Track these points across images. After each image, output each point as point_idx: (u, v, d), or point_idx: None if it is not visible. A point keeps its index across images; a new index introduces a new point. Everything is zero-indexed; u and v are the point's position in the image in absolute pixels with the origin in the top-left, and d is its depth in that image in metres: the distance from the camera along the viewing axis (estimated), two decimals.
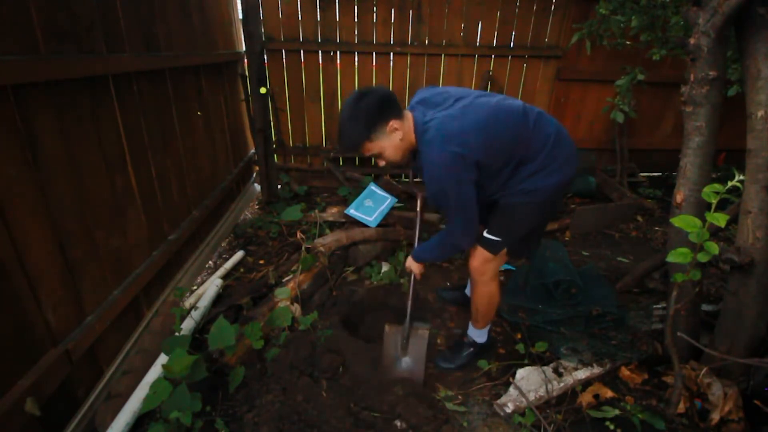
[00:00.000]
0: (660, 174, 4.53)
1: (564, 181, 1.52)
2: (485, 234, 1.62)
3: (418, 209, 2.00)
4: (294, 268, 2.34)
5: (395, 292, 2.39)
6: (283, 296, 2.08)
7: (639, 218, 3.49)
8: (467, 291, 2.20)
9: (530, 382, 1.72)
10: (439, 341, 2.05)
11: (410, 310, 1.83)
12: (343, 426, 1.53)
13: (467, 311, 1.91)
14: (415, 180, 3.86)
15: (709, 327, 1.80)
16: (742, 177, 1.34)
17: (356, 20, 3.64)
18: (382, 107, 1.40)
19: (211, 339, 1.69)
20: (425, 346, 1.77)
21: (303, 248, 2.27)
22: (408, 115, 1.49)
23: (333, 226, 2.95)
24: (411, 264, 1.82)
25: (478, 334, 1.89)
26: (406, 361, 1.79)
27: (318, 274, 2.36)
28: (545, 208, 1.58)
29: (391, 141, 1.45)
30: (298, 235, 2.29)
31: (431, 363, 1.87)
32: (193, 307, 2.15)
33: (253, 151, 3.86)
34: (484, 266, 1.66)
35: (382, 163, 1.54)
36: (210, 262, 2.79)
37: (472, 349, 1.89)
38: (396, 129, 1.43)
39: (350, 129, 1.41)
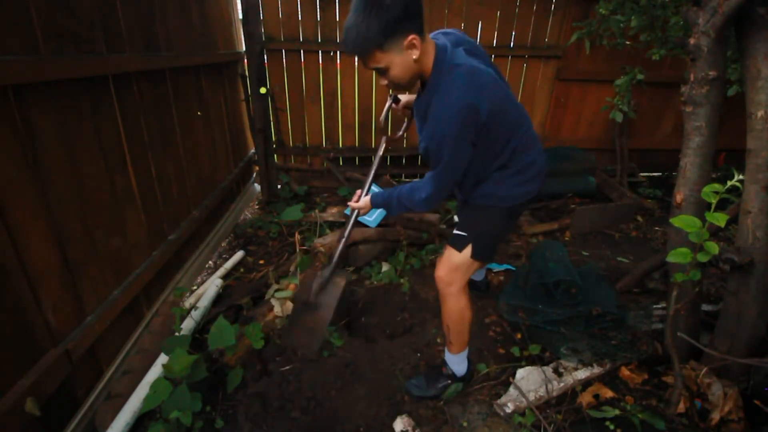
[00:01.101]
0: (660, 174, 4.53)
1: (532, 193, 1.53)
2: (454, 231, 1.60)
3: (379, 153, 1.72)
4: (293, 268, 2.34)
5: (395, 292, 2.39)
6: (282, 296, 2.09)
7: (639, 218, 3.48)
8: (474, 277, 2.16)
9: (530, 382, 1.72)
10: (439, 341, 2.05)
11: (337, 256, 1.69)
12: None
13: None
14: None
15: (709, 327, 1.80)
16: (742, 177, 1.34)
17: None
18: (407, 14, 1.16)
19: (211, 339, 1.69)
20: (339, 293, 1.68)
21: (298, 250, 2.27)
22: (431, 40, 1.31)
23: (333, 226, 2.95)
24: (362, 203, 1.65)
25: (455, 361, 1.73)
26: (315, 307, 1.71)
27: None
28: (510, 214, 1.56)
29: (404, 57, 1.23)
30: (297, 237, 2.29)
31: (403, 390, 1.76)
32: (193, 307, 2.15)
33: (253, 151, 3.86)
34: (450, 275, 1.56)
35: (383, 82, 1.34)
36: (210, 262, 2.79)
37: (449, 381, 1.73)
38: (414, 46, 1.22)
39: (363, 28, 1.16)
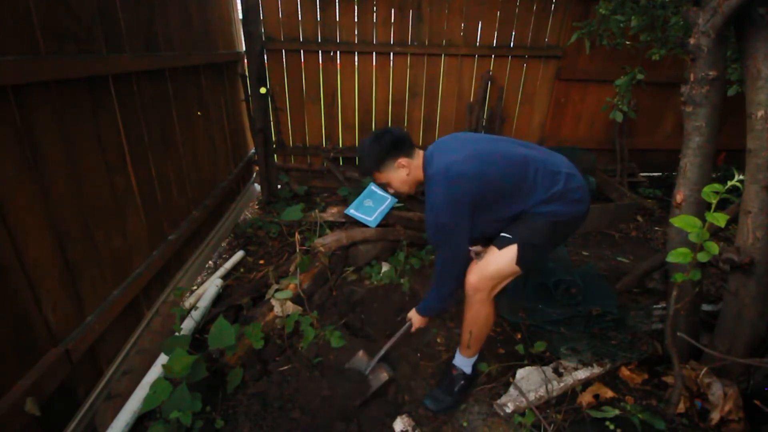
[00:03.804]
0: (660, 174, 4.52)
1: (573, 215, 1.56)
2: (501, 234, 1.59)
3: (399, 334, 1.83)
4: (293, 268, 2.33)
5: (395, 292, 2.39)
6: (282, 297, 2.09)
7: (639, 218, 3.49)
8: None
9: (530, 382, 1.72)
10: (439, 340, 2.05)
11: (385, 349, 1.78)
12: None
13: None
14: None
15: (709, 327, 1.80)
16: (742, 177, 1.34)
17: (356, 20, 3.64)
18: (393, 146, 1.63)
19: (211, 339, 1.69)
20: (376, 387, 1.70)
21: (298, 250, 2.27)
22: (419, 153, 1.68)
23: (333, 226, 2.95)
24: (414, 316, 1.79)
25: (466, 363, 1.74)
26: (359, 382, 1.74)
27: (318, 274, 2.36)
28: (556, 228, 1.56)
29: (397, 175, 1.68)
30: (297, 237, 2.29)
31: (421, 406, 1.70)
32: (193, 307, 2.15)
33: (253, 151, 3.86)
34: (483, 282, 1.56)
35: (391, 191, 1.78)
36: (210, 262, 2.79)
37: (463, 381, 1.73)
38: (403, 166, 1.65)
39: (364, 160, 1.68)
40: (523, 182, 1.52)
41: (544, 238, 1.54)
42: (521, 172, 1.52)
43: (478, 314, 1.61)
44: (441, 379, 1.78)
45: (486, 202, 1.52)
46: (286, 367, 1.84)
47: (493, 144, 1.61)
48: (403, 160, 1.64)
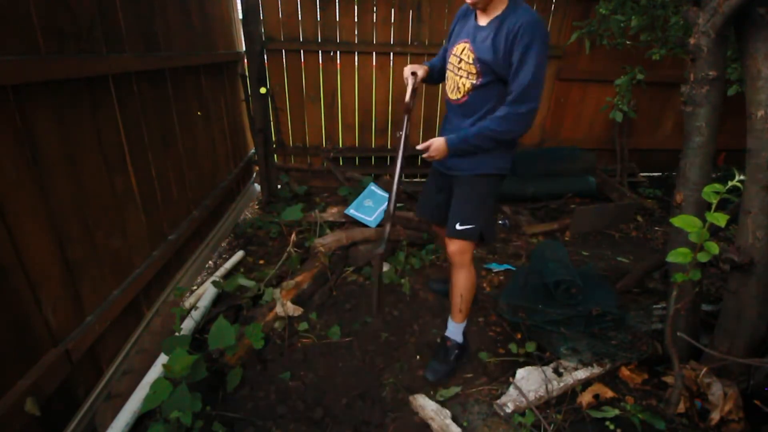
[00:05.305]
0: (660, 174, 4.53)
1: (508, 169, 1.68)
2: (457, 227, 1.69)
3: (401, 151, 1.85)
4: (293, 268, 2.34)
5: (395, 292, 2.39)
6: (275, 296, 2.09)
7: (639, 218, 3.48)
8: None
9: (530, 382, 1.72)
10: (438, 341, 2.04)
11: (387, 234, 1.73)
12: None
13: None
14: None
15: (709, 327, 1.80)
16: (742, 177, 1.34)
17: (356, 20, 3.64)
18: None
19: (211, 339, 1.69)
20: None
21: (289, 249, 2.28)
22: None
23: (333, 226, 2.95)
24: (438, 147, 1.61)
25: (458, 332, 1.90)
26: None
27: (318, 274, 2.36)
28: (500, 185, 1.72)
29: None
30: (293, 237, 2.29)
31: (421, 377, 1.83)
32: (193, 307, 2.15)
33: (253, 151, 3.86)
34: (463, 255, 1.75)
35: None
36: (210, 262, 2.79)
37: (457, 350, 1.89)
38: None
39: None
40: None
41: (494, 200, 1.72)
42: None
43: (466, 278, 1.79)
44: (437, 352, 1.92)
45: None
46: (285, 369, 1.83)
47: None
48: None
